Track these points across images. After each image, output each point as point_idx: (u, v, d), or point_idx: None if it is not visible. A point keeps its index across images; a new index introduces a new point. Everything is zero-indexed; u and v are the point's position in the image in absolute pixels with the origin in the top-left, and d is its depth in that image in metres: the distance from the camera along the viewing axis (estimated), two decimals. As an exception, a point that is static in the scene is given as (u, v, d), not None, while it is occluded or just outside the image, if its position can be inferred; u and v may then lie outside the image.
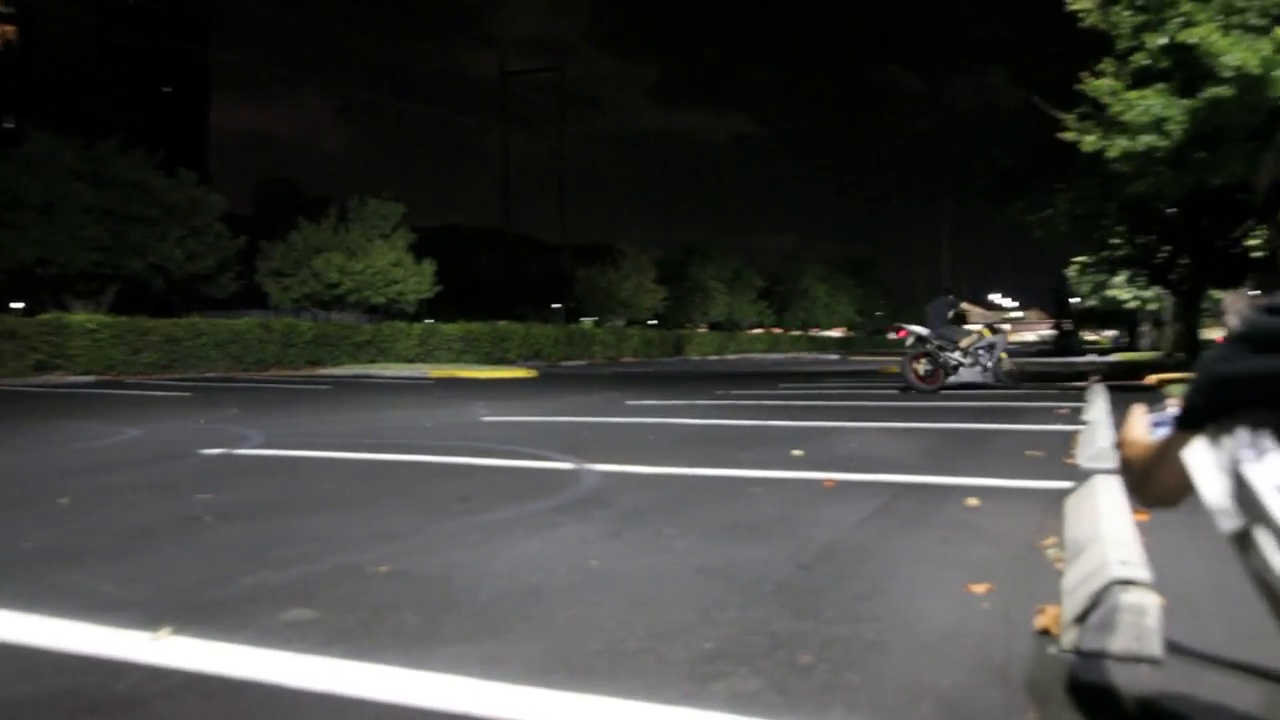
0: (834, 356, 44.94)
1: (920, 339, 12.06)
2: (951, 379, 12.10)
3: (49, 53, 78.10)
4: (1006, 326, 12.92)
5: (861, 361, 33.34)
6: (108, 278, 24.92)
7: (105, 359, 19.37)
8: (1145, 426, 1.47)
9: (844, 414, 9.09)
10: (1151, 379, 13.27)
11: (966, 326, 12.87)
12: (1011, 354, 13.36)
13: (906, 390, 11.91)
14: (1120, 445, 1.52)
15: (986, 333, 12.41)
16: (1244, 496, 1.24)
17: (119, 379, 18.85)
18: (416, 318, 32.66)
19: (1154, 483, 1.42)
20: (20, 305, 31.84)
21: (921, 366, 11.99)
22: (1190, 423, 1.33)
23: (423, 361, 26.22)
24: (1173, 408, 1.39)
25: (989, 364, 12.35)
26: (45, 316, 19.44)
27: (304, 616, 2.47)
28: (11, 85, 74.45)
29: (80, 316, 19.88)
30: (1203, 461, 1.29)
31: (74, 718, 1.84)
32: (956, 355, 12.17)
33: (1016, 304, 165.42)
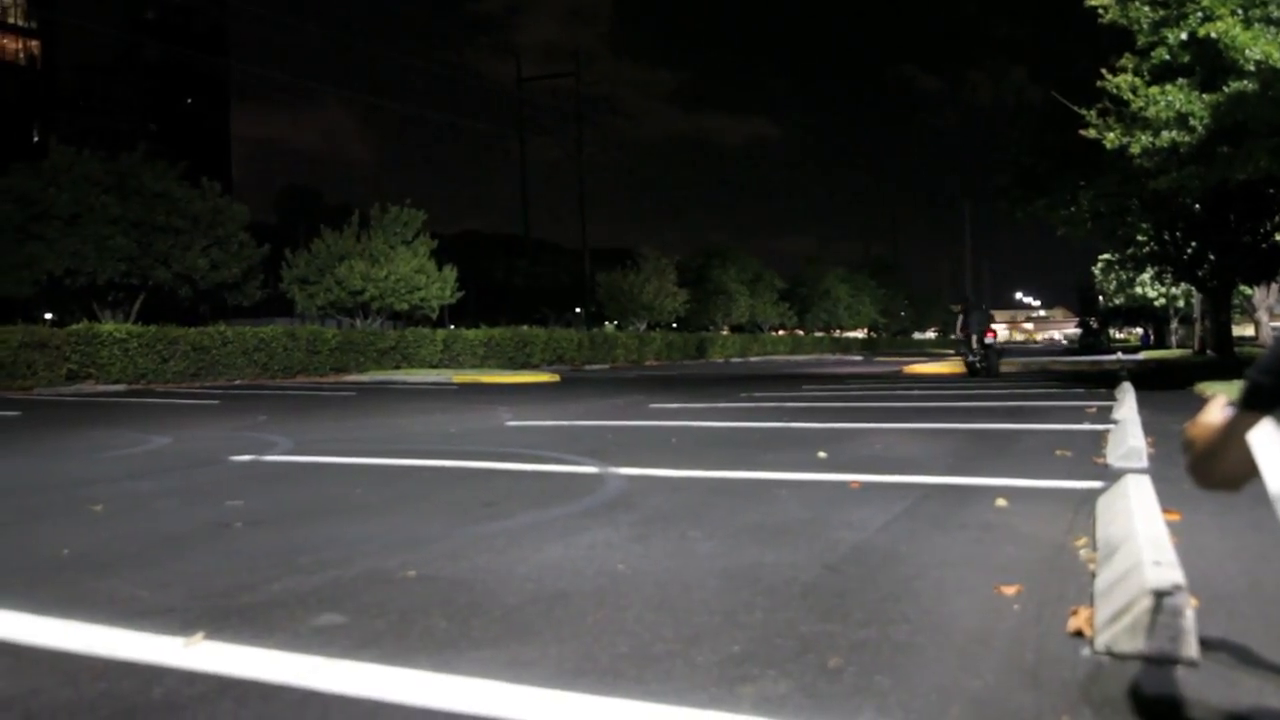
0: (857, 358, 44.73)
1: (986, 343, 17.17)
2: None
3: (72, 66, 79.29)
4: (992, 334, 17.56)
5: (886, 362, 33.16)
6: (135, 287, 25.20)
7: (135, 368, 19.60)
8: (1222, 413, 1.38)
9: (868, 415, 9.05)
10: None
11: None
12: (1031, 353, 17.59)
13: (974, 374, 16.82)
14: (1189, 427, 1.45)
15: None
16: None
17: (149, 387, 19.08)
18: (439, 324, 32.80)
19: (1216, 464, 1.35)
20: (50, 316, 32.31)
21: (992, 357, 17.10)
22: (1256, 403, 1.27)
23: (446, 367, 26.34)
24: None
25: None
26: (76, 327, 19.69)
27: (334, 621, 2.49)
28: (36, 98, 75.61)
29: (110, 326, 20.12)
30: (1268, 445, 1.24)
31: (112, 722, 1.86)
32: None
33: (1039, 303, 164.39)
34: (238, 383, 20.80)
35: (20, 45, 77.51)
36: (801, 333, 61.56)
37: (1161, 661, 1.98)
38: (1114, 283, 52.08)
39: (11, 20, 76.94)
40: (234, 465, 6.06)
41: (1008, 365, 19.33)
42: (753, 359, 44.04)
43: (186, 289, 25.82)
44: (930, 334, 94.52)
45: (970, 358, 17.24)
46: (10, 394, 16.95)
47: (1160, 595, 2.00)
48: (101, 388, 18.58)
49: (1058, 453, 5.77)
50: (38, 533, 3.91)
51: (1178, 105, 11.11)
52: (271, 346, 22.55)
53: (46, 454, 7.14)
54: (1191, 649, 1.98)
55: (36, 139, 66.99)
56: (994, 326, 17.47)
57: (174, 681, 2.06)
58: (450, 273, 29.44)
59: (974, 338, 17.17)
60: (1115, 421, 6.93)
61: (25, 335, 18.24)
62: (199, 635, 2.36)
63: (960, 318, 18.14)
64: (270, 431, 8.48)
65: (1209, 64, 11.04)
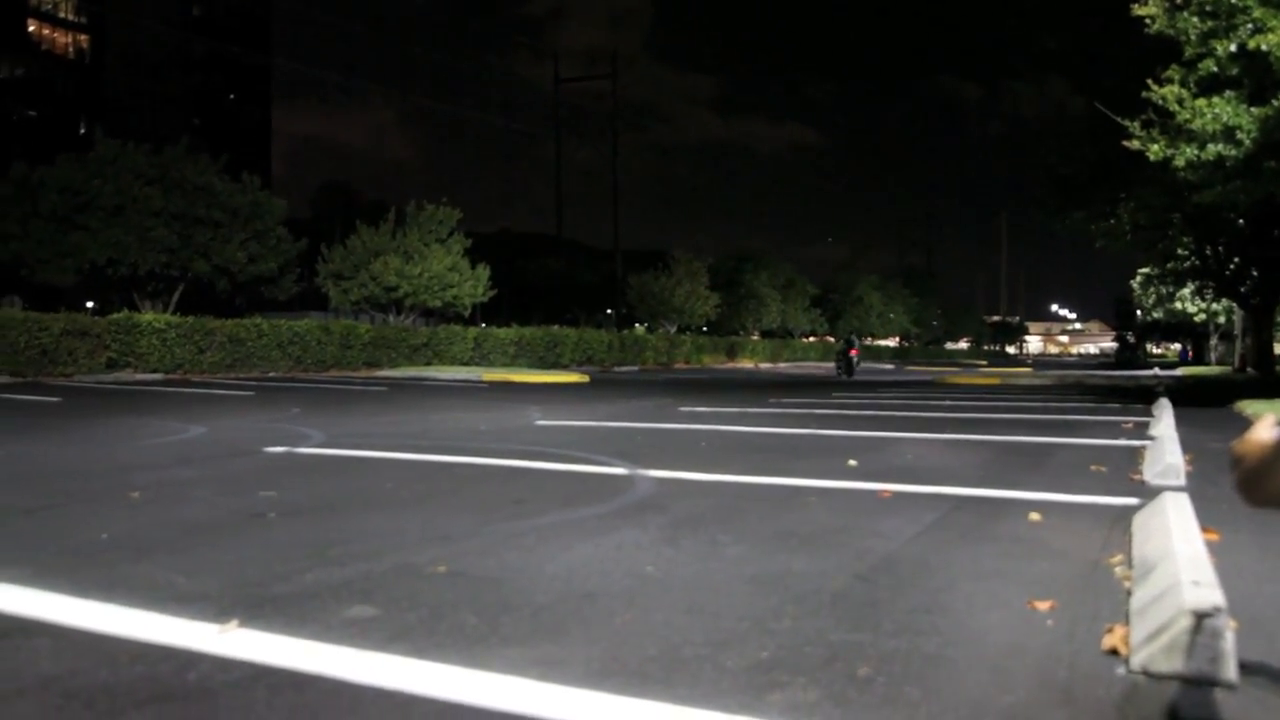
0: (888, 366, 44.39)
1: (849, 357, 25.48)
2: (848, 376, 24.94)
3: (120, 60, 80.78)
4: (854, 352, 25.58)
5: (917, 372, 32.87)
6: (174, 279, 25.60)
7: (172, 358, 19.91)
8: (1270, 431, 1.36)
9: (899, 424, 8.98)
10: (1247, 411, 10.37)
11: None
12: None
13: (841, 379, 23.70)
14: (1238, 444, 1.44)
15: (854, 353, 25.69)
16: None
17: (185, 377, 19.37)
18: (471, 322, 33.00)
19: (1264, 481, 1.33)
20: (91, 305, 32.91)
21: (850, 368, 25.34)
22: None
23: (477, 365, 26.51)
24: None
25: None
26: (116, 316, 20.05)
27: (366, 614, 2.51)
28: (84, 92, 77.21)
29: (149, 316, 20.46)
30: None
31: (149, 705, 1.89)
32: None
33: (1075, 315, 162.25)
34: (271, 375, 21.06)
35: (70, 39, 79.10)
36: (833, 339, 61.20)
37: (1199, 683, 1.95)
38: (1153, 297, 51.27)
39: (63, 15, 78.58)
40: (268, 456, 6.14)
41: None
42: (782, 365, 43.86)
43: (224, 282, 26.18)
44: (963, 344, 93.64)
45: (838, 367, 25.61)
46: (51, 380, 17.29)
47: (1200, 616, 1.97)
48: (139, 376, 18.90)
49: (1093, 468, 5.70)
50: (78, 517, 3.99)
51: (1225, 118, 10.92)
52: (305, 340, 22.81)
53: (86, 440, 7.28)
54: (1231, 671, 1.94)
55: (83, 131, 68.37)
56: (855, 347, 26.32)
57: (209, 667, 2.10)
58: (483, 271, 29.59)
59: (839, 354, 26.16)
60: (1152, 438, 6.82)
61: (67, 323, 18.61)
62: (233, 623, 2.40)
63: (845, 344, 26.55)
64: (303, 424, 8.57)
65: (1258, 77, 10.85)
